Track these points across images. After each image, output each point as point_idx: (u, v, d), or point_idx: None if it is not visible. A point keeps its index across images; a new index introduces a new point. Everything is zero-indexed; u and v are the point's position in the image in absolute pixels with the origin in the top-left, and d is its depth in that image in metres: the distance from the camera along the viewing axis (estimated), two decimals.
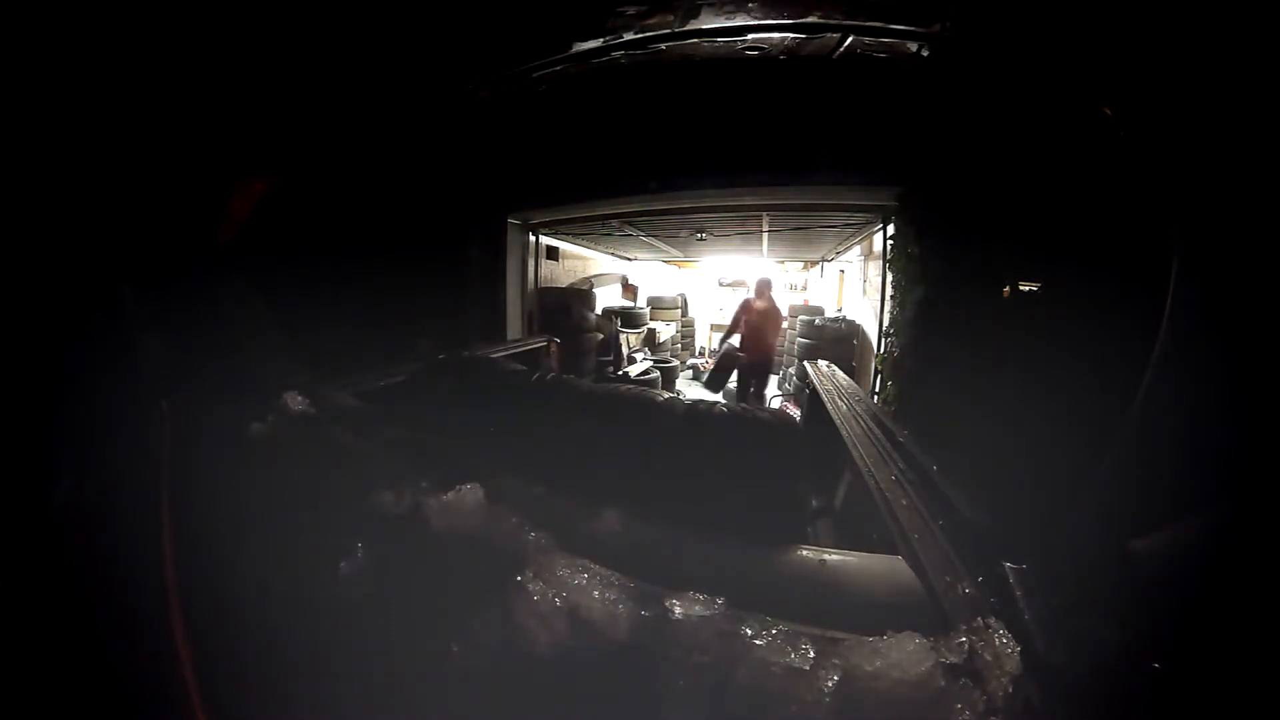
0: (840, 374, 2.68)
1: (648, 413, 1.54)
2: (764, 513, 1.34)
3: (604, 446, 1.51)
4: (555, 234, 5.12)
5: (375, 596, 1.11)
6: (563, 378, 1.76)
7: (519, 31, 1.51)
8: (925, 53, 1.51)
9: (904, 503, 1.27)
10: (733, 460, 1.45)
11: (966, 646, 0.87)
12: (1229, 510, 0.82)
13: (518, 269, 4.40)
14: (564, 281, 5.59)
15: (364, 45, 1.37)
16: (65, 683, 1.02)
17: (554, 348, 3.26)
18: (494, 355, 2.24)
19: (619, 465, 1.47)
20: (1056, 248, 1.53)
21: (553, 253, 5.27)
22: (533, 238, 4.68)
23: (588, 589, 0.97)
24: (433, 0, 1.38)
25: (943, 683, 0.83)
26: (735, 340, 5.11)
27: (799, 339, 5.63)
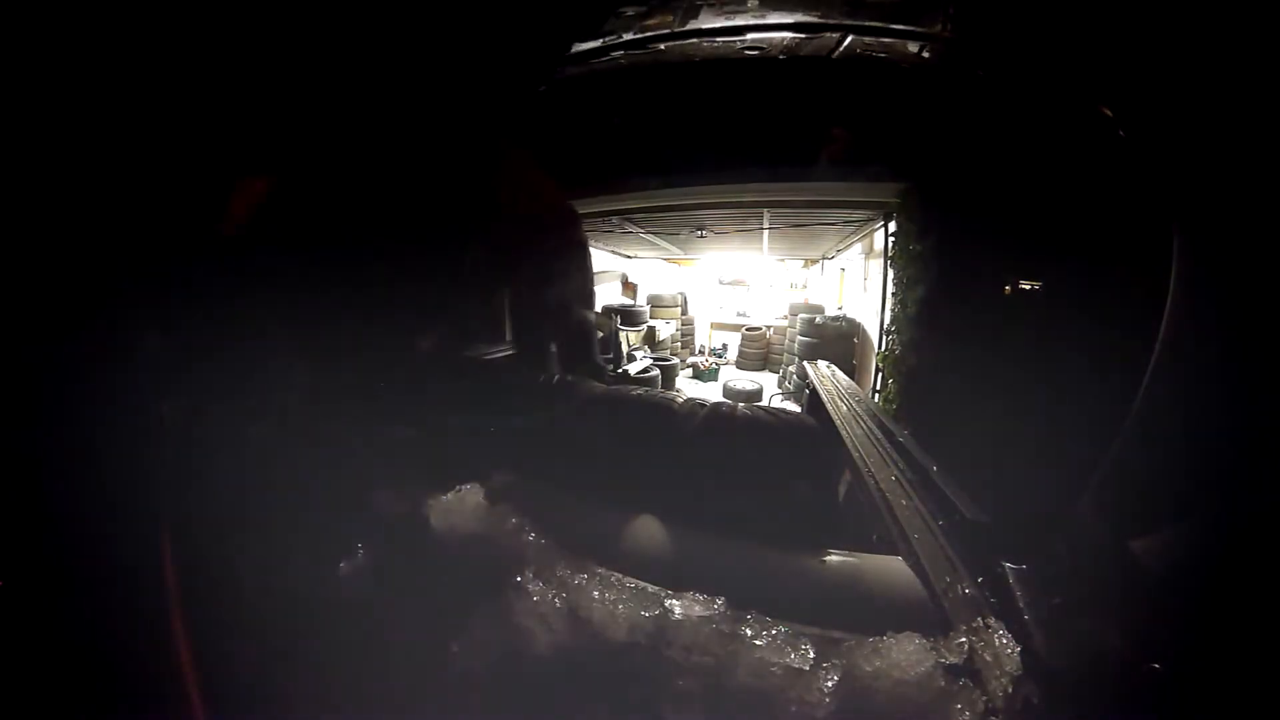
0: (840, 374, 2.68)
1: (647, 414, 1.54)
2: (765, 512, 1.34)
3: (604, 447, 1.51)
4: None
5: (375, 596, 1.11)
6: (564, 378, 1.76)
7: (518, 32, 1.51)
8: (926, 53, 1.50)
9: (904, 503, 1.27)
10: (732, 459, 1.45)
11: (966, 646, 0.87)
12: (1229, 510, 0.82)
13: None
14: None
15: (365, 45, 1.36)
16: (65, 682, 1.02)
17: (554, 348, 3.23)
18: (495, 354, 2.24)
19: (618, 466, 1.47)
20: (1058, 247, 1.53)
21: None
22: None
23: (588, 589, 0.97)
24: (433, 1, 1.38)
25: (943, 683, 0.83)
26: None
27: (799, 337, 5.60)
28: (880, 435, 1.63)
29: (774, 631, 0.89)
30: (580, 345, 2.10)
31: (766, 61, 1.64)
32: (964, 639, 0.88)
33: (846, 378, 2.71)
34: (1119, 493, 0.95)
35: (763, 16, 1.51)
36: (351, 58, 1.38)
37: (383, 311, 1.67)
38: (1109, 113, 1.08)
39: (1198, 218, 0.90)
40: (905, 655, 0.86)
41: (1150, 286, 0.92)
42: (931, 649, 0.87)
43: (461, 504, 1.17)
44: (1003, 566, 0.99)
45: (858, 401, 2.02)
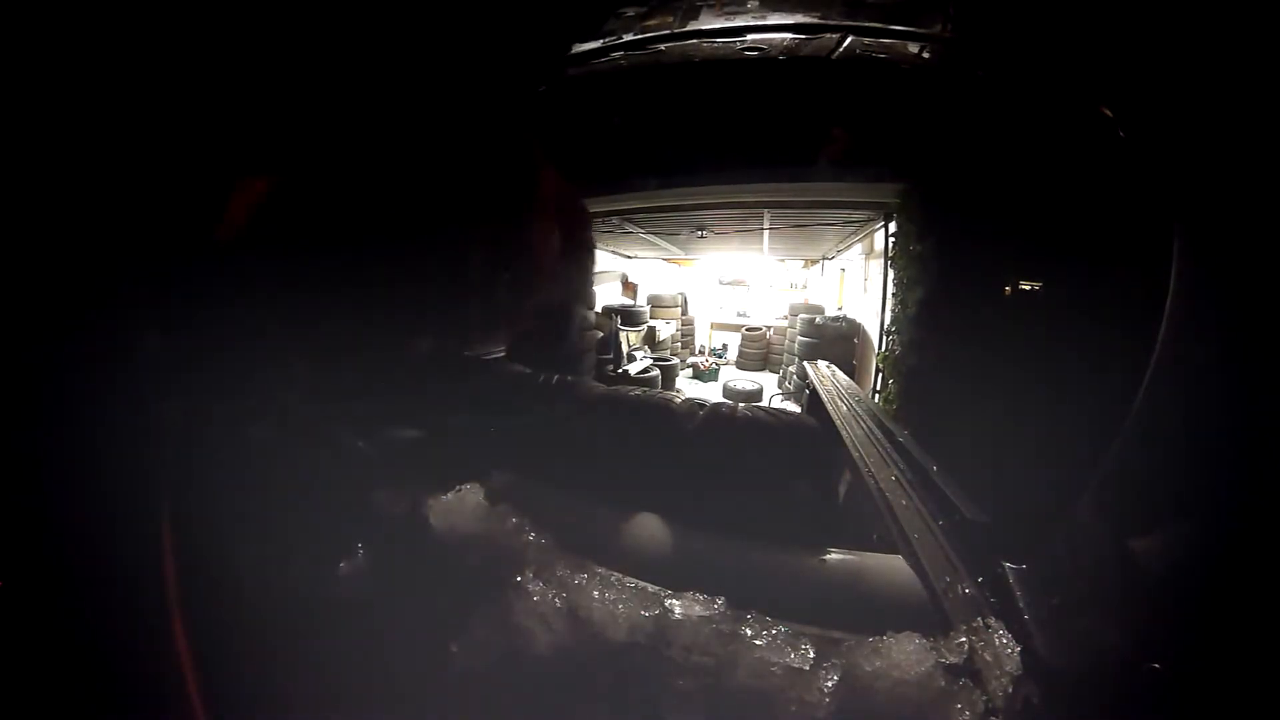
0: (840, 374, 2.67)
1: (647, 414, 1.54)
2: (765, 512, 1.34)
3: (604, 447, 1.51)
4: None
5: (375, 596, 1.11)
6: (564, 378, 1.76)
7: (518, 33, 1.51)
8: (926, 53, 1.51)
9: (904, 503, 1.27)
10: (733, 459, 1.45)
11: (966, 646, 0.87)
12: (1229, 510, 0.82)
13: None
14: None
15: (365, 45, 1.36)
16: (65, 683, 1.02)
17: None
18: (494, 355, 2.23)
19: (618, 466, 1.47)
20: (1058, 247, 1.53)
21: None
22: None
23: (587, 589, 0.97)
24: (433, 2, 1.38)
25: (943, 683, 0.83)
26: None
27: (799, 337, 5.59)
28: (880, 435, 1.63)
29: (774, 631, 0.89)
30: (561, 349, 2.10)
31: (766, 62, 1.64)
32: (964, 639, 0.88)
33: (846, 378, 2.70)
34: (1119, 493, 0.95)
35: (763, 17, 1.52)
36: (351, 57, 1.38)
37: (383, 311, 1.67)
38: (1109, 113, 1.08)
39: (1198, 218, 0.90)
40: (905, 655, 0.86)
41: (1150, 286, 0.92)
42: (931, 649, 0.87)
43: (461, 504, 1.16)
44: (1003, 566, 0.99)
45: (858, 401, 2.02)
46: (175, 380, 1.23)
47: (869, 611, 1.02)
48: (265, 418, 1.37)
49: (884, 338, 2.96)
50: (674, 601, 0.94)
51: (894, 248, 2.75)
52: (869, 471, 1.45)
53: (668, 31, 1.57)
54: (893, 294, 2.80)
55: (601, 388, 1.88)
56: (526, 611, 0.96)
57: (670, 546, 1.20)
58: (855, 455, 1.58)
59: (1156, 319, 0.91)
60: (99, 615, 1.06)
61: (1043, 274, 1.65)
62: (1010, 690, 0.83)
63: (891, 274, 2.84)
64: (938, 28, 1.45)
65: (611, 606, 0.95)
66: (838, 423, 1.77)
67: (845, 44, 1.54)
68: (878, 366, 3.05)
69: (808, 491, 1.51)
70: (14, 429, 1.08)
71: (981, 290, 1.84)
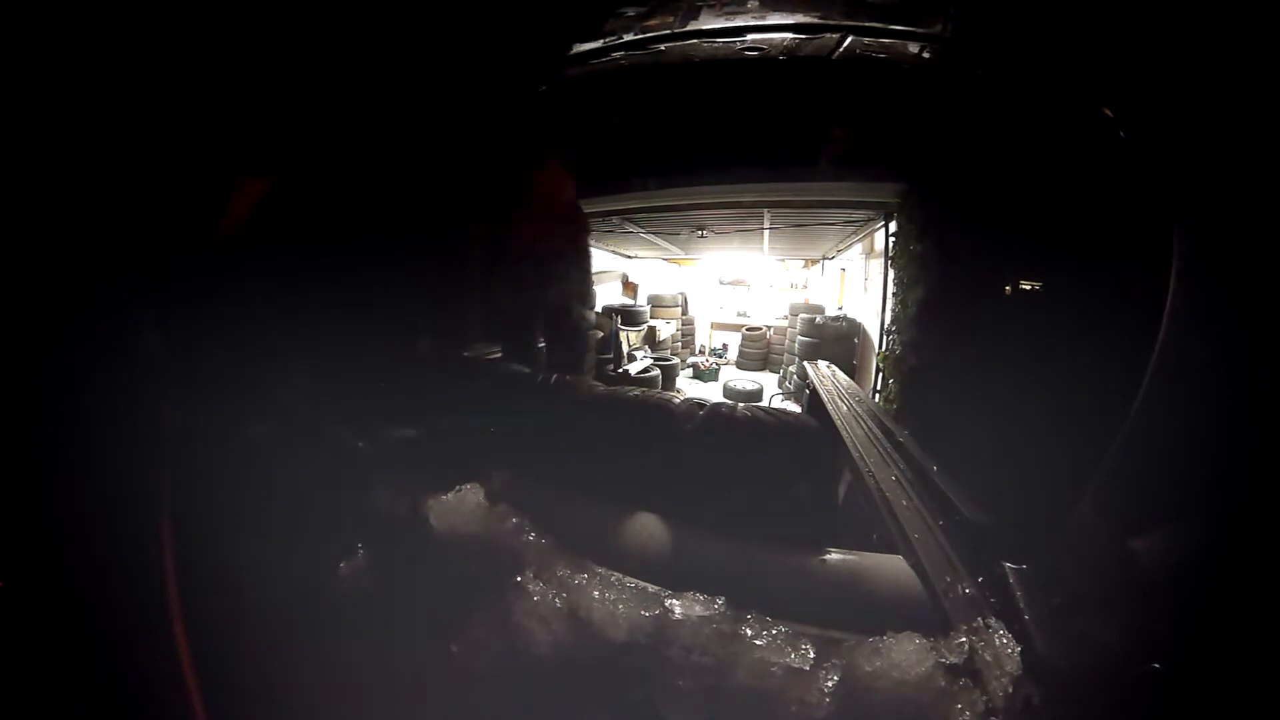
0: (840, 374, 2.67)
1: (647, 414, 1.54)
2: (765, 512, 1.34)
3: (604, 447, 1.51)
4: None
5: (375, 596, 1.11)
6: (563, 378, 1.76)
7: (519, 33, 1.51)
8: (926, 53, 1.51)
9: (904, 503, 1.27)
10: (733, 459, 1.45)
11: (966, 646, 0.87)
12: (1229, 510, 0.82)
13: None
14: None
15: (365, 44, 1.36)
16: (65, 683, 1.02)
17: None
18: (494, 355, 2.24)
19: (618, 466, 1.47)
20: (1058, 247, 1.53)
21: None
22: None
23: (587, 589, 0.97)
24: (433, 2, 1.38)
25: (943, 683, 0.83)
26: None
27: (800, 337, 5.59)
28: (880, 435, 1.63)
29: (774, 631, 0.89)
30: (572, 350, 2.11)
31: (766, 62, 1.64)
32: (964, 639, 0.88)
33: (846, 378, 2.71)
34: (1119, 493, 0.95)
35: (763, 17, 1.52)
36: (351, 57, 1.38)
37: (382, 311, 1.67)
38: (1109, 113, 1.08)
39: (1198, 218, 0.90)
40: (905, 655, 0.86)
41: (1150, 286, 0.92)
42: (931, 649, 0.87)
43: (461, 504, 1.16)
44: (1003, 566, 0.99)
45: (858, 401, 2.02)
46: (175, 380, 1.23)
47: (869, 611, 1.02)
48: (265, 418, 1.37)
49: (884, 338, 2.96)
50: (674, 601, 0.94)
51: (894, 248, 2.74)
52: (869, 472, 1.45)
53: (668, 31, 1.57)
54: (893, 294, 2.80)
55: (601, 388, 1.88)
56: (526, 611, 0.97)
57: (670, 546, 1.20)
58: (855, 455, 1.58)
59: (1157, 318, 0.91)
60: (99, 615, 1.06)
61: (1043, 273, 1.65)
62: (1010, 690, 0.83)
63: (891, 274, 2.84)
64: (938, 28, 1.45)
65: (611, 606, 0.95)
66: (838, 423, 1.77)
67: (845, 44, 1.54)
68: (878, 366, 3.04)
69: (808, 491, 1.51)
70: (14, 429, 1.08)
71: (981, 290, 1.84)
